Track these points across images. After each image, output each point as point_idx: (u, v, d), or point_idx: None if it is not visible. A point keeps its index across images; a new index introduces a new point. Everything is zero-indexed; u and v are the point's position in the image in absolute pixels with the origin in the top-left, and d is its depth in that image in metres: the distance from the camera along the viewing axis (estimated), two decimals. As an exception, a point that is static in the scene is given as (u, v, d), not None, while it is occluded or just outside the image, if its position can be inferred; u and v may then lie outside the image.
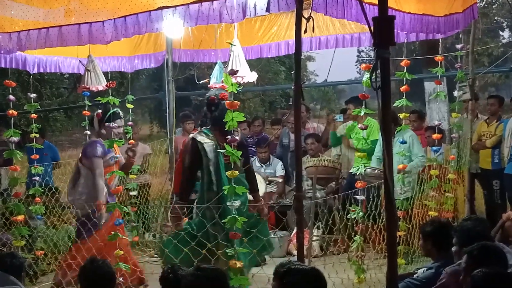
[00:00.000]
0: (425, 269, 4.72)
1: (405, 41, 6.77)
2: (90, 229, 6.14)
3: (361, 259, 5.53)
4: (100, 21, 4.92)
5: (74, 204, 6.42)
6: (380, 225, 5.96)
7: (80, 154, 6.62)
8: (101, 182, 6.25)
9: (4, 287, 4.25)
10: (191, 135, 6.43)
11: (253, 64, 6.43)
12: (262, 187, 8.16)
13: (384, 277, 3.24)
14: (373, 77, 3.20)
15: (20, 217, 6.11)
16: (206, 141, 5.90)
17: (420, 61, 11.96)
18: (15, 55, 6.67)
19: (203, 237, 5.49)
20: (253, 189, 6.29)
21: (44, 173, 7.64)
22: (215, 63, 7.37)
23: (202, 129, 6.05)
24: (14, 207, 6.17)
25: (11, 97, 6.24)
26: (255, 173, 6.73)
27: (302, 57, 6.77)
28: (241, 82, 5.87)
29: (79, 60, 7.20)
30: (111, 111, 6.44)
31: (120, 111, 6.59)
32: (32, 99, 6.74)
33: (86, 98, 6.99)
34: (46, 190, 7.55)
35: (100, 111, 6.56)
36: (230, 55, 5.87)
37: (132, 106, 7.91)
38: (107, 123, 6.35)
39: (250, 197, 6.27)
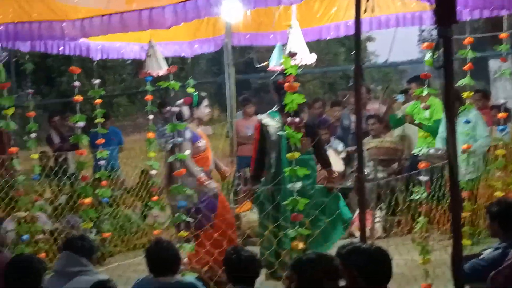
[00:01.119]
0: (492, 249, 4.63)
1: (468, 19, 6.59)
2: (207, 216, 6.09)
3: (426, 240, 5.47)
4: (160, 7, 4.99)
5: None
6: (445, 206, 5.88)
7: None
8: (194, 167, 6.19)
9: (75, 268, 4.38)
10: (258, 118, 6.45)
11: (312, 46, 6.38)
12: (339, 164, 8.22)
13: (449, 258, 3.19)
14: (435, 56, 3.14)
15: (88, 200, 6.27)
16: (271, 124, 5.91)
17: (484, 39, 11.63)
18: (79, 42, 6.83)
19: (266, 218, 5.55)
20: (326, 164, 6.32)
21: (110, 157, 7.80)
22: (274, 46, 7.36)
23: (269, 111, 6.06)
24: (82, 190, 6.34)
25: (77, 83, 6.39)
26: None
27: (362, 37, 6.72)
28: (300, 64, 5.85)
29: (141, 46, 7.31)
30: (195, 94, 6.49)
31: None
32: (96, 85, 6.90)
33: (148, 83, 7.09)
34: (112, 173, 7.71)
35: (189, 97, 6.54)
36: (288, 37, 5.85)
37: (193, 91, 7.98)
38: (197, 107, 6.40)
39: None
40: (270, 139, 5.90)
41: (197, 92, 6.56)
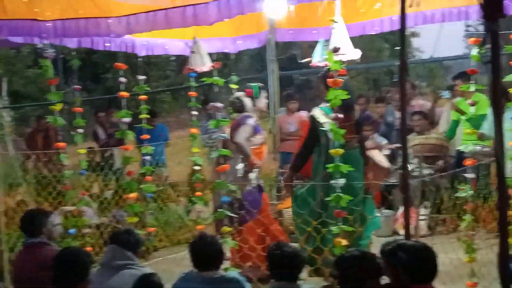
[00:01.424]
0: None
1: (516, 13, 6.45)
2: (250, 211, 6.10)
3: (471, 239, 5.39)
4: (204, 3, 5.02)
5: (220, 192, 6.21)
6: (491, 204, 5.77)
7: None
8: (247, 149, 6.21)
9: (121, 261, 4.44)
10: (310, 113, 6.43)
11: (356, 42, 6.34)
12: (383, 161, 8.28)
13: (495, 257, 3.14)
14: (482, 51, 3.09)
15: (133, 195, 6.35)
16: (325, 120, 5.79)
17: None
18: (124, 38, 6.91)
19: (309, 214, 5.54)
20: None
21: (156, 152, 7.89)
22: (317, 42, 7.33)
23: (321, 106, 6.01)
24: (127, 185, 6.42)
25: (122, 79, 6.47)
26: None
27: (407, 33, 6.55)
28: (344, 60, 5.81)
29: (185, 42, 7.37)
30: (254, 85, 6.54)
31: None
32: (141, 81, 6.99)
33: (192, 79, 7.14)
34: (157, 169, 7.78)
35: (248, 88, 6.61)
36: (332, 32, 5.82)
37: (237, 87, 8.01)
38: (257, 98, 6.45)
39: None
40: (323, 135, 5.82)
41: (257, 84, 6.61)
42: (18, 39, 6.38)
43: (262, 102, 6.55)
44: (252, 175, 6.20)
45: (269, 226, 6.16)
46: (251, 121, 6.30)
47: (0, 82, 5.56)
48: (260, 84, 6.65)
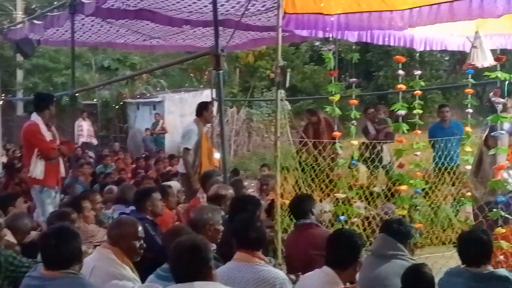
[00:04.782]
0: None
1: None
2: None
3: None
4: (493, -5, 4.85)
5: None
6: None
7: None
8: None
9: (390, 251, 4.49)
10: None
11: None
12: None
13: None
14: None
15: (404, 187, 6.37)
16: None
17: None
18: (404, 33, 6.95)
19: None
20: None
21: (450, 150, 7.82)
22: None
23: None
24: (398, 177, 6.46)
25: (401, 71, 6.52)
26: None
27: None
28: None
29: (466, 37, 7.17)
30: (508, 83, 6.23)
31: None
32: (417, 76, 6.97)
33: (469, 76, 6.94)
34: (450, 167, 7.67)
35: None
36: None
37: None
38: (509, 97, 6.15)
39: None
40: None
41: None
42: (303, 33, 6.75)
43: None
44: None
45: None
46: (506, 127, 5.83)
47: (285, 73, 5.91)
48: None
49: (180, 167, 8.65)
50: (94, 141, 19.35)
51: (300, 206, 5.39)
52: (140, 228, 4.39)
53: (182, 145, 8.31)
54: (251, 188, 10.51)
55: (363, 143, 8.90)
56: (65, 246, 3.63)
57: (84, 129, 18.76)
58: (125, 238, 4.29)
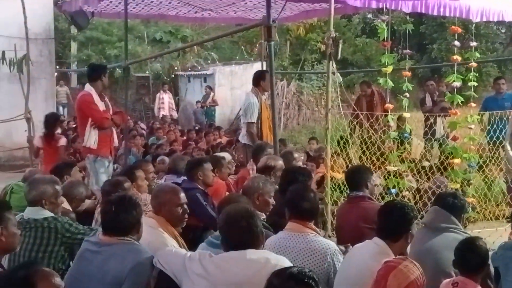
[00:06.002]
0: None
1: None
2: None
3: None
4: None
5: None
6: None
7: None
8: None
9: (443, 223, 4.45)
10: None
11: None
12: None
13: None
14: None
15: (457, 160, 6.28)
16: None
17: None
18: (460, 3, 6.77)
19: None
20: None
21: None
22: None
23: None
24: (451, 150, 6.36)
25: (456, 42, 6.41)
26: None
27: None
28: None
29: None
30: None
31: None
32: (472, 48, 6.80)
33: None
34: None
35: None
36: None
37: None
38: None
39: None
40: None
41: None
42: (356, 3, 6.65)
43: None
44: None
45: None
46: None
47: (337, 44, 5.86)
48: None
49: (242, 137, 8.58)
50: (175, 114, 19.50)
51: (357, 177, 5.32)
52: (182, 194, 4.38)
53: (246, 120, 8.19)
54: (300, 161, 10.49)
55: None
56: (124, 214, 3.73)
57: (166, 102, 18.93)
58: (166, 206, 4.30)
